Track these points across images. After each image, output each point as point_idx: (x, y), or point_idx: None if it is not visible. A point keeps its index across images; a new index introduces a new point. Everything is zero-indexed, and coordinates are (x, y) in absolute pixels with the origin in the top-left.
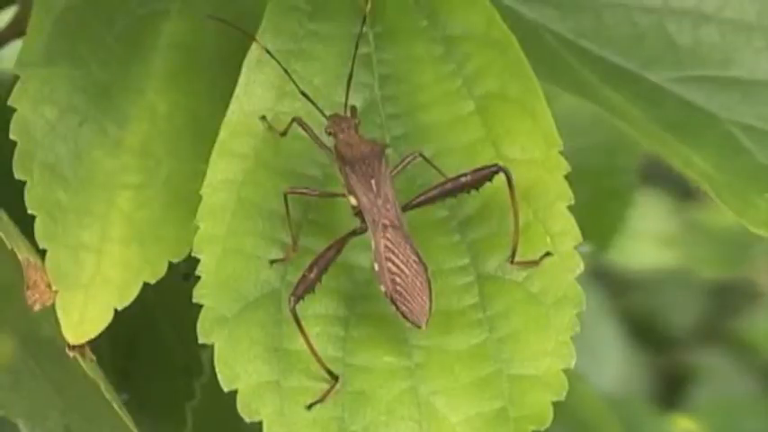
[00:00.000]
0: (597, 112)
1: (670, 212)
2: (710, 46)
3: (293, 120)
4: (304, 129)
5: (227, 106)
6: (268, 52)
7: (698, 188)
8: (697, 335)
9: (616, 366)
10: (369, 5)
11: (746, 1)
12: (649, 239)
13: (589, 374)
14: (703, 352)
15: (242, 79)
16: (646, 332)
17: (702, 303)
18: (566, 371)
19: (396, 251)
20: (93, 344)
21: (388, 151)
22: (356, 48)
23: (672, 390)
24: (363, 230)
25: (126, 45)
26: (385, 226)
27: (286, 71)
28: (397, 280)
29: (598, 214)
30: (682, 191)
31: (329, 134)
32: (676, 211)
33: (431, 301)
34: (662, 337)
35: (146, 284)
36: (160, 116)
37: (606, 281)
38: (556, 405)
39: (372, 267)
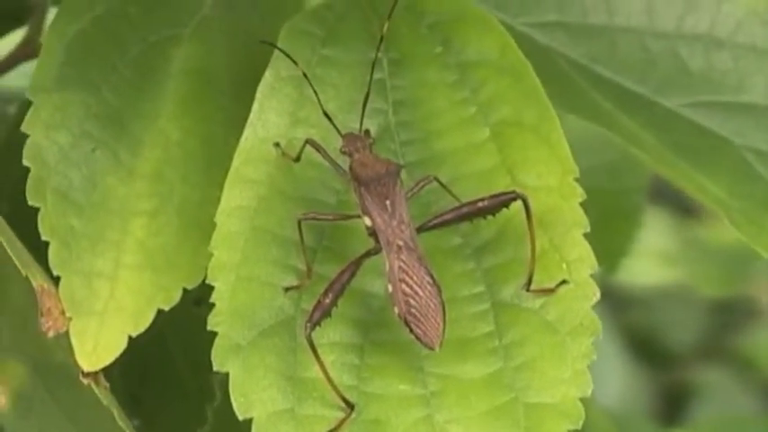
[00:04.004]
0: (605, 133)
1: (671, 230)
2: (723, 71)
3: (306, 141)
4: (317, 149)
5: (239, 132)
6: (304, 75)
7: (699, 205)
8: (698, 352)
9: (617, 383)
10: (385, 29)
11: (759, 26)
12: (650, 257)
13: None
14: (704, 369)
15: (256, 106)
16: (647, 349)
17: (703, 320)
18: (582, 400)
19: (410, 272)
20: (106, 369)
21: (403, 172)
22: (372, 72)
23: (673, 406)
24: (378, 251)
25: (138, 71)
26: (399, 247)
27: (307, 78)
28: (411, 302)
29: (606, 235)
30: (683, 208)
31: (344, 153)
32: (677, 228)
33: (444, 323)
34: (663, 353)
35: (158, 310)
36: (173, 142)
37: (607, 298)
38: None
39: (386, 289)
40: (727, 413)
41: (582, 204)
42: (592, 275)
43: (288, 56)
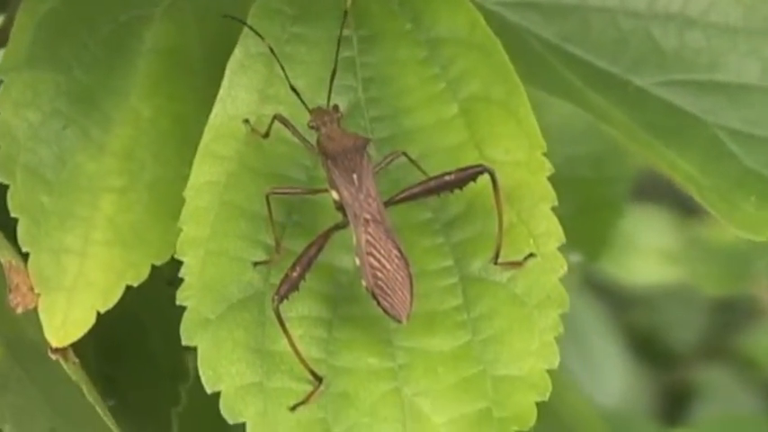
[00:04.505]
0: (589, 122)
1: (673, 229)
2: (696, 50)
3: (275, 117)
4: (286, 125)
5: (210, 110)
6: (271, 50)
7: (700, 205)
8: (700, 351)
9: (619, 382)
10: (349, 4)
11: (732, 5)
12: (652, 256)
13: (592, 390)
14: (706, 368)
15: (225, 82)
16: (648, 348)
17: (705, 319)
18: (550, 372)
19: (377, 246)
20: (80, 350)
21: (372, 146)
22: (338, 50)
23: (674, 406)
24: (345, 225)
25: (109, 49)
26: (366, 220)
27: (275, 54)
28: (379, 274)
29: (589, 223)
30: (684, 207)
31: (312, 128)
32: (679, 227)
33: (412, 296)
34: (664, 353)
35: (132, 290)
36: (144, 120)
37: (609, 297)
38: (546, 412)
39: (354, 262)
40: (729, 412)
41: (550, 179)
42: (559, 248)
43: (255, 32)
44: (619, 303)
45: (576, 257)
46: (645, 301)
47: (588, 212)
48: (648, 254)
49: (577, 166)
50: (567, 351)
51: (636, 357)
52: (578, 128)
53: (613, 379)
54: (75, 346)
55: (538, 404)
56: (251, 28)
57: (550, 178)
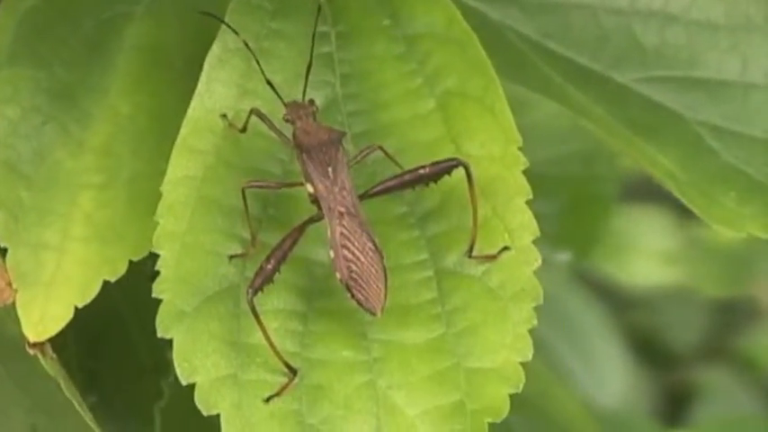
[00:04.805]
0: (575, 120)
1: (673, 230)
2: (677, 47)
3: (251, 111)
4: (262, 119)
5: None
6: (246, 46)
7: None
8: (700, 352)
9: (619, 383)
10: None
11: (713, 2)
12: (652, 257)
13: (592, 391)
14: (706, 369)
15: (203, 77)
16: (649, 349)
17: (705, 320)
18: (524, 364)
19: (351, 238)
20: (61, 345)
21: (347, 138)
22: (312, 44)
23: (674, 407)
24: (320, 218)
25: (89, 47)
26: (341, 213)
27: (249, 49)
28: (353, 267)
29: (577, 222)
30: (684, 208)
31: (287, 121)
32: (679, 228)
33: (386, 288)
34: (665, 354)
35: (112, 286)
36: (123, 117)
37: (609, 298)
38: (537, 411)
39: (329, 255)
40: (729, 413)
41: (525, 173)
42: (533, 242)
43: (231, 28)
44: (619, 304)
45: (565, 255)
46: (645, 303)
47: (577, 210)
48: (649, 255)
49: (566, 164)
50: (567, 352)
51: (636, 358)
52: (567, 125)
53: (614, 380)
54: (57, 342)
55: (523, 399)
56: (227, 25)
57: (537, 176)
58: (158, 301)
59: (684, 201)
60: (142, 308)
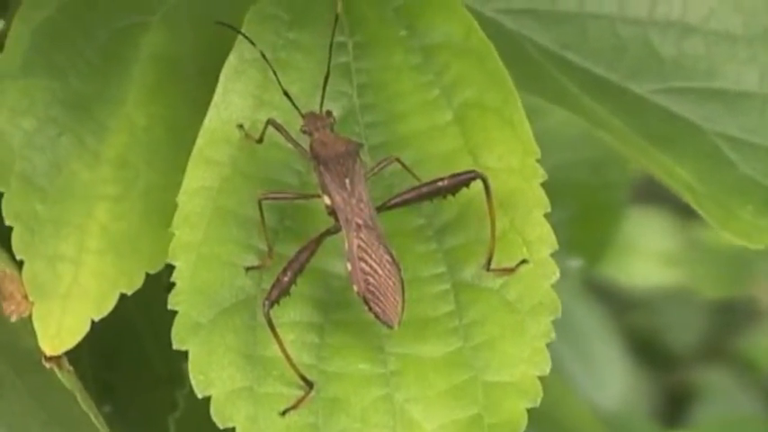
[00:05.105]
0: (587, 128)
1: (673, 231)
2: (695, 57)
3: (268, 122)
4: (278, 130)
5: (205, 117)
6: (263, 56)
7: None
8: (700, 353)
9: (619, 384)
10: (339, 8)
11: (731, 13)
12: (652, 258)
13: (592, 392)
14: (706, 370)
15: (219, 88)
16: (648, 350)
17: (705, 321)
18: (541, 378)
19: (369, 251)
20: (76, 356)
21: (364, 150)
22: (330, 55)
23: (674, 408)
24: (337, 230)
25: (105, 57)
26: (358, 225)
27: (266, 59)
28: (370, 280)
29: (588, 229)
30: (684, 210)
31: (304, 133)
32: (679, 229)
33: (403, 301)
34: (665, 355)
35: (127, 297)
36: (139, 128)
37: (609, 299)
38: (545, 417)
39: (346, 267)
40: (729, 414)
41: (543, 186)
42: (551, 255)
43: (248, 38)
44: (619, 306)
45: (576, 262)
46: (645, 304)
47: (588, 217)
48: (648, 256)
49: (577, 171)
50: (567, 354)
51: (636, 359)
52: (578, 133)
53: (613, 381)
54: (72, 353)
55: (535, 409)
56: (244, 35)
57: (548, 183)
58: (173, 312)
59: (702, 212)
60: (156, 318)
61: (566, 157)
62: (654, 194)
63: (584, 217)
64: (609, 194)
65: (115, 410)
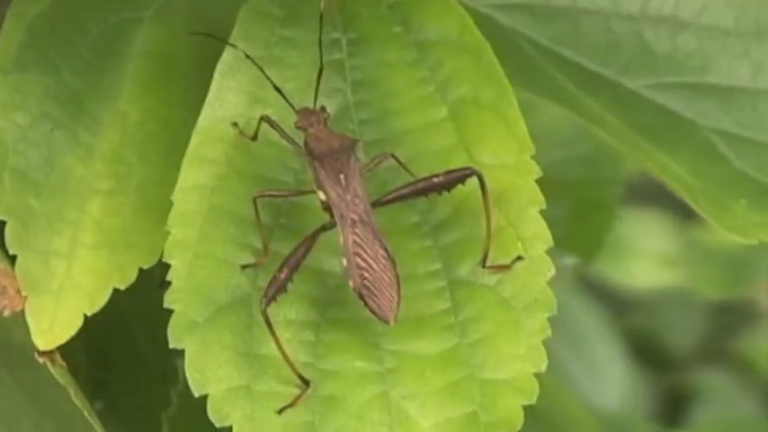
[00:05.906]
0: (581, 124)
1: (672, 232)
2: (688, 53)
3: (261, 118)
4: (273, 126)
5: (199, 114)
6: (247, 56)
7: None
8: (698, 354)
9: (618, 385)
10: (322, 5)
11: (724, 8)
12: (651, 259)
13: (591, 393)
14: (705, 371)
15: (214, 85)
16: (647, 351)
17: (704, 323)
18: (537, 375)
19: (364, 246)
20: (69, 353)
21: (359, 146)
22: (321, 52)
23: (673, 409)
24: (332, 226)
25: (98, 53)
26: (353, 221)
27: (251, 59)
28: (366, 275)
29: (582, 226)
30: (683, 211)
31: (299, 128)
32: (678, 230)
33: (399, 297)
34: (664, 356)
35: (121, 293)
36: (132, 123)
37: (608, 300)
38: (539, 415)
39: (341, 263)
40: (728, 415)
41: (538, 182)
42: (547, 252)
43: (235, 48)
44: (618, 307)
45: (570, 260)
46: (644, 305)
47: (582, 214)
48: (648, 257)
49: (571, 168)
50: (566, 354)
51: (635, 361)
52: (572, 129)
53: (613, 382)
54: (65, 349)
55: (529, 407)
56: (231, 45)
57: (542, 180)
58: (166, 308)
59: (696, 207)
60: (149, 315)
61: (559, 154)
62: (653, 196)
63: (579, 214)
64: (603, 191)
65: (108, 407)
